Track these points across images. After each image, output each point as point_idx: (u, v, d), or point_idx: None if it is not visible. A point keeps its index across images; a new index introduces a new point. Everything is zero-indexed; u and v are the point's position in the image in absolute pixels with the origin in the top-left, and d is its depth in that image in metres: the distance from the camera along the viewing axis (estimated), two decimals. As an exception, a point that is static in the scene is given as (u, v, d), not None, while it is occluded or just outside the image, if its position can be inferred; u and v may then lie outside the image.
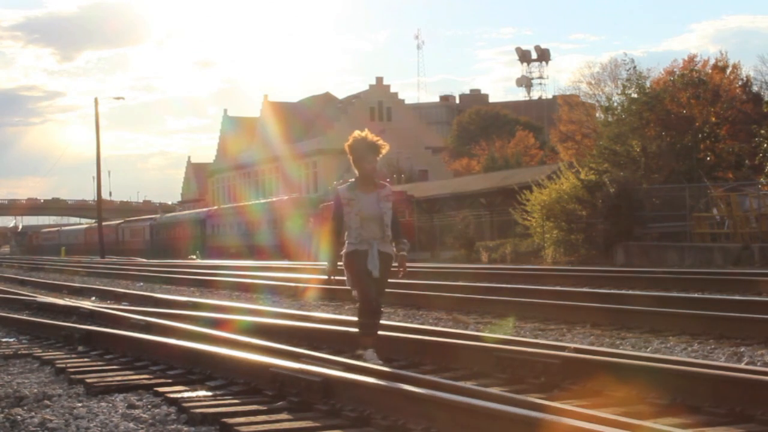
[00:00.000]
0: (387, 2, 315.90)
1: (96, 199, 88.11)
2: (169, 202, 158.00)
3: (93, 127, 77.18)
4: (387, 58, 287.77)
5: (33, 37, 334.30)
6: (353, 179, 10.30)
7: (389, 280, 9.95)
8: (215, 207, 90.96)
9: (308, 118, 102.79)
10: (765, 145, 42.74)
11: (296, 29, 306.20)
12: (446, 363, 9.56)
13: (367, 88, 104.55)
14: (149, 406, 8.09)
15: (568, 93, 78.37)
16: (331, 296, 20.30)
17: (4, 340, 14.07)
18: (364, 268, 9.63)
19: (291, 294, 21.99)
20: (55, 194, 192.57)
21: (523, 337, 11.81)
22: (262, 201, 74.94)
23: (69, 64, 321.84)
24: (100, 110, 77.73)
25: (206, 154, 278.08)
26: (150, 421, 7.52)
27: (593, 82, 69.91)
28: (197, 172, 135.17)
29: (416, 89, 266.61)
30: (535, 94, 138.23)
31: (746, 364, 9.32)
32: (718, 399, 6.95)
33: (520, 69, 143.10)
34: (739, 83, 55.76)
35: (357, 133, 10.16)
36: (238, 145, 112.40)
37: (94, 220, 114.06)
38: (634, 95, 47.05)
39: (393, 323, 13.13)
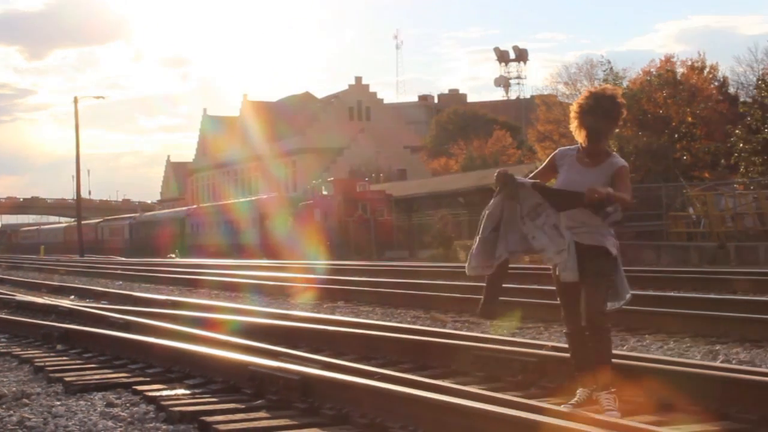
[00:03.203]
0: (365, 2, 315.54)
1: (75, 197, 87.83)
2: (149, 201, 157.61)
3: (65, 125, 78.08)
4: (366, 58, 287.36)
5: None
6: (577, 145, 7.28)
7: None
8: (195, 206, 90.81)
9: (288, 118, 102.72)
10: (740, 145, 43.03)
11: (273, 28, 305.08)
12: (424, 361, 9.61)
13: (346, 87, 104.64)
14: (128, 405, 8.10)
15: (545, 93, 78.50)
16: (322, 296, 20.34)
17: (-18, 339, 14.05)
18: (555, 273, 7.19)
19: (270, 293, 22.03)
20: (32, 193, 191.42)
21: (500, 335, 11.88)
22: (242, 200, 74.90)
23: (38, 62, 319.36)
24: (72, 109, 77.38)
25: (183, 153, 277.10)
26: (128, 419, 7.54)
27: (569, 82, 70.10)
28: (177, 171, 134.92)
29: (395, 89, 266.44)
30: (513, 94, 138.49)
31: (721, 362, 9.41)
32: (696, 396, 7.00)
33: (498, 69, 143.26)
34: (715, 83, 56.07)
35: (600, 87, 7.27)
36: (218, 144, 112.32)
37: (73, 219, 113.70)
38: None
39: (371, 322, 13.21)
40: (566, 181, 7.10)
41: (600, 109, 6.99)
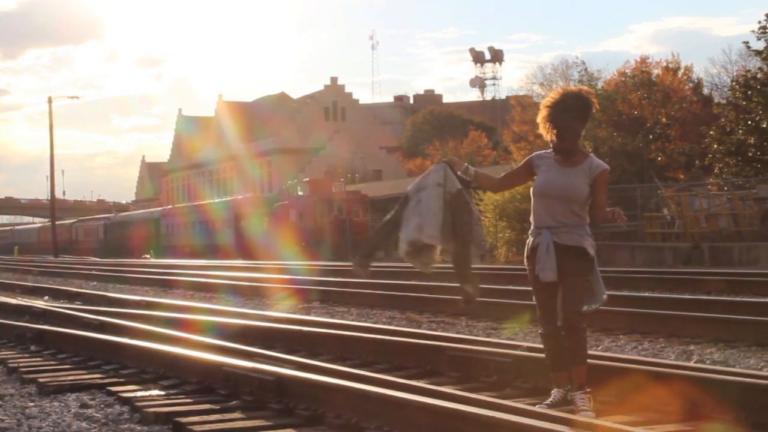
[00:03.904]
0: (341, 2, 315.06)
1: (50, 198, 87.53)
2: (124, 201, 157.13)
3: (39, 125, 77.53)
4: (341, 58, 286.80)
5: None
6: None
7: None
8: (170, 206, 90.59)
9: (263, 118, 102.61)
10: (714, 146, 43.24)
11: (248, 28, 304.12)
12: (399, 362, 9.61)
13: (321, 88, 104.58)
14: (102, 406, 8.08)
15: (521, 94, 78.80)
16: (297, 296, 20.29)
17: (-45, 340, 13.96)
18: (533, 274, 7.21)
19: (245, 293, 21.99)
20: (5, 193, 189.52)
21: (475, 336, 11.90)
22: (217, 200, 74.77)
23: (12, 62, 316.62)
24: (46, 109, 77.17)
25: (158, 153, 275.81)
26: (103, 420, 7.51)
27: (545, 83, 70.38)
28: (152, 171, 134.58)
29: (371, 89, 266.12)
30: (489, 95, 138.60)
31: (695, 362, 9.45)
32: (670, 397, 7.03)
33: (473, 69, 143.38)
34: (690, 84, 56.35)
35: (569, 88, 7.34)
36: (193, 144, 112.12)
37: (48, 220, 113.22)
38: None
39: (346, 322, 13.21)
40: (546, 180, 7.12)
41: (563, 104, 7.03)
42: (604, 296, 7.21)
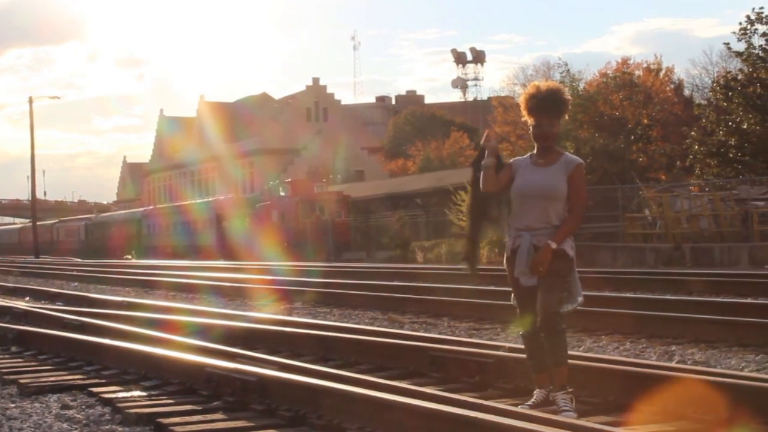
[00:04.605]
0: (322, 2, 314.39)
1: (30, 198, 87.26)
2: (105, 202, 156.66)
3: (20, 125, 77.15)
4: (323, 58, 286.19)
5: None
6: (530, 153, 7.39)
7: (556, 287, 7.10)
8: (151, 207, 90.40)
9: (245, 119, 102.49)
10: (695, 147, 43.38)
11: (230, 28, 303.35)
12: (382, 362, 9.61)
13: (303, 88, 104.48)
14: (83, 407, 8.05)
15: (502, 94, 78.85)
16: (279, 297, 20.27)
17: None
18: (513, 276, 7.26)
19: (227, 294, 21.95)
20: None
21: (457, 336, 11.91)
22: (199, 201, 74.63)
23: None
24: (27, 109, 76.97)
25: (139, 154, 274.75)
26: (84, 421, 7.49)
27: (526, 83, 70.46)
28: (133, 171, 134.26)
29: (352, 90, 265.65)
30: (470, 96, 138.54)
31: (676, 362, 9.47)
32: (652, 398, 7.04)
33: (455, 70, 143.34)
34: (671, 86, 56.53)
35: (539, 84, 7.29)
36: (175, 144, 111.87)
37: (28, 220, 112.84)
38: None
39: (329, 323, 13.21)
40: (525, 181, 7.16)
41: (540, 94, 7.10)
42: (581, 298, 7.25)
